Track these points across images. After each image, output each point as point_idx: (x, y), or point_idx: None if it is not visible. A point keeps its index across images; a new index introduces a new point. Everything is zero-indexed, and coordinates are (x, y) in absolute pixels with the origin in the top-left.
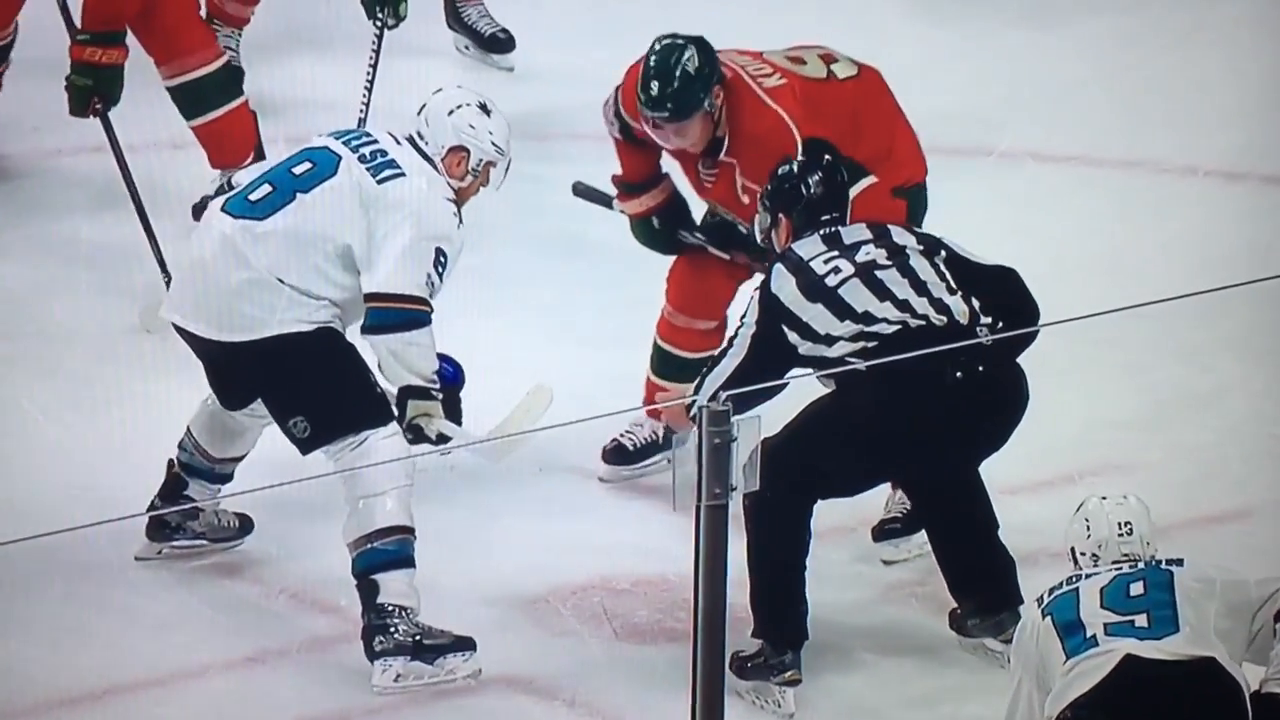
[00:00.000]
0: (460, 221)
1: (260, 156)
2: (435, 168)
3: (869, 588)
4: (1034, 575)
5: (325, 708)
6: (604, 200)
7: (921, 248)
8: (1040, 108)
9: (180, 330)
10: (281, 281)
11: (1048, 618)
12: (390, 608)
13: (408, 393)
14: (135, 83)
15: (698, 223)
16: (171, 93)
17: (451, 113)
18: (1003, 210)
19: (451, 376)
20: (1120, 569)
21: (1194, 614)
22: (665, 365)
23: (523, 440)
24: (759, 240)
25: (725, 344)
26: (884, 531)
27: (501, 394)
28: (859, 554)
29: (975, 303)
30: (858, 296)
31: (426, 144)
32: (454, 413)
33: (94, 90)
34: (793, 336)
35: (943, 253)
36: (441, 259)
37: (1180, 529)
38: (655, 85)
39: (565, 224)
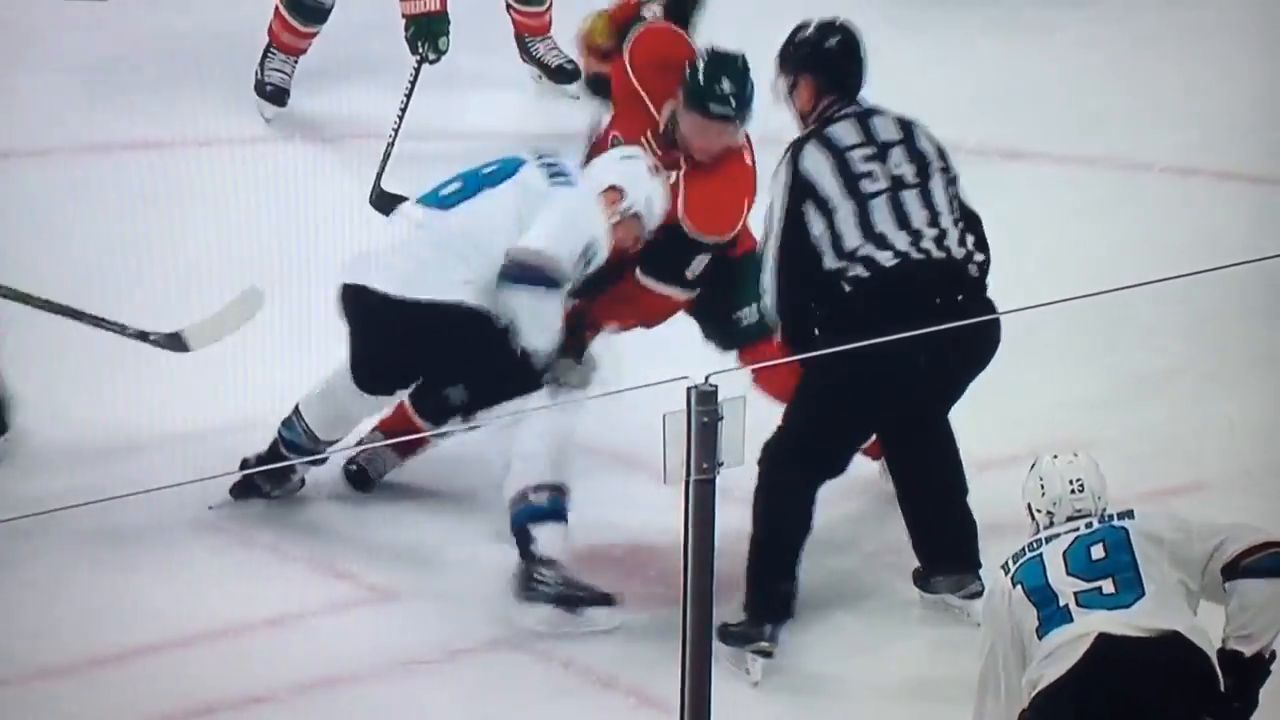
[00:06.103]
0: (609, 244)
1: None
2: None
3: (848, 557)
4: (1001, 542)
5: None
6: None
7: (942, 165)
8: (1007, 109)
9: (357, 298)
10: (464, 263)
11: (1018, 586)
12: (541, 557)
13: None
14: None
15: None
16: None
17: (624, 159)
18: (972, 203)
19: None
20: (1077, 530)
21: (1155, 571)
22: None
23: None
24: (786, 104)
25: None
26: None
27: None
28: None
29: (969, 237)
30: (882, 216)
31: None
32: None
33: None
34: (810, 214)
35: (950, 171)
36: (588, 253)
37: (1137, 500)
38: (728, 83)
39: None
